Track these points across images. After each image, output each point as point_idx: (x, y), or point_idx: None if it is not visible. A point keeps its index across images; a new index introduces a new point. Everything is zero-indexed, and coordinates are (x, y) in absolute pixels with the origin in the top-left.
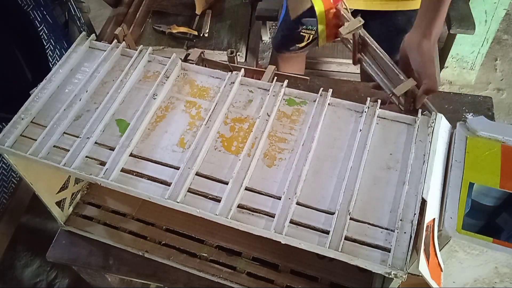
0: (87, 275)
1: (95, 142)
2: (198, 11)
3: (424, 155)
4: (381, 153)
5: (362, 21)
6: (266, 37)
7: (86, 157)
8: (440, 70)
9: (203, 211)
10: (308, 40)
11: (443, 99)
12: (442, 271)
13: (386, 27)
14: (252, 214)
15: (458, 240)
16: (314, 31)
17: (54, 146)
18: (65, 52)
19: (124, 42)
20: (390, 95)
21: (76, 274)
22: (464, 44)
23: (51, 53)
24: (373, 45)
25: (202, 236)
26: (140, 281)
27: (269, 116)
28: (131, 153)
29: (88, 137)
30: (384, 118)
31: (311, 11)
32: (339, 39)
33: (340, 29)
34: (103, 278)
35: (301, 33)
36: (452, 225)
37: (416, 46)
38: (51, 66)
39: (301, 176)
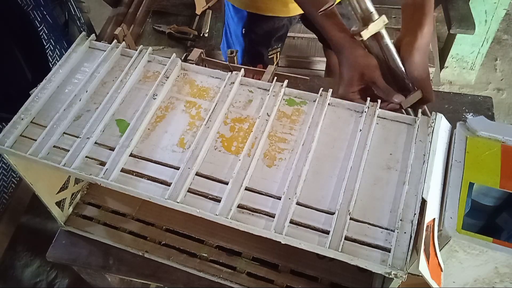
0: (87, 275)
1: (95, 142)
2: (198, 11)
3: (424, 155)
4: (381, 153)
5: (386, 21)
6: None
7: (86, 157)
8: (440, 70)
9: (203, 211)
10: (277, 60)
11: (443, 99)
12: (442, 271)
13: None
14: (252, 214)
15: (458, 240)
16: (279, 48)
17: (54, 146)
18: (65, 52)
19: (124, 42)
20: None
21: (76, 274)
22: (464, 44)
23: (51, 53)
24: (389, 45)
25: (202, 236)
26: (140, 281)
27: (269, 116)
28: (131, 153)
29: (88, 137)
30: (384, 118)
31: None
32: None
33: (361, 33)
34: (103, 278)
35: (269, 57)
36: (452, 225)
37: (409, 59)
38: (51, 66)
39: (301, 176)
